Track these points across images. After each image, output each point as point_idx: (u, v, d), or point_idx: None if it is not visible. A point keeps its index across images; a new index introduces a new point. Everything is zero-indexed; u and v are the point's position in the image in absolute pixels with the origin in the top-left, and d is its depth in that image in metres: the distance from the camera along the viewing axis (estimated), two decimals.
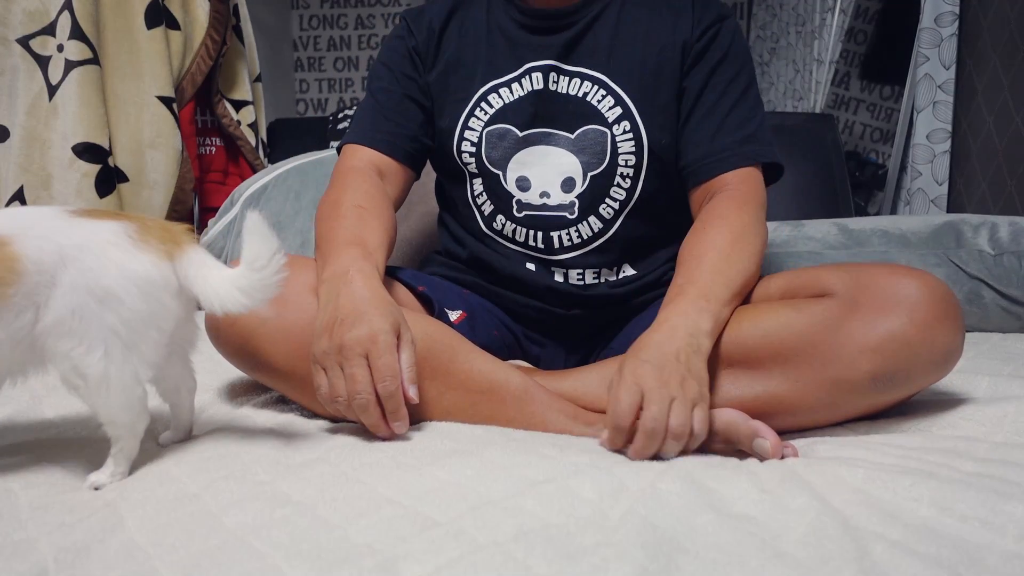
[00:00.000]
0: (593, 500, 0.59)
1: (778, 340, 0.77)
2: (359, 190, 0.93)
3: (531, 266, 1.01)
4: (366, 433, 0.75)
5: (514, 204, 1.00)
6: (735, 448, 0.75)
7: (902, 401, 0.79)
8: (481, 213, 1.03)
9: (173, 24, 1.74)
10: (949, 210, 2.04)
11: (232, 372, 0.97)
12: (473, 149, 1.00)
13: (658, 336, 0.76)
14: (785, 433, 0.78)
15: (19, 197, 1.56)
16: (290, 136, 2.56)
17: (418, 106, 1.02)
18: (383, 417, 0.73)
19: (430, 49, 1.02)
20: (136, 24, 1.67)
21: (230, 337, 0.83)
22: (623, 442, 0.72)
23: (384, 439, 0.74)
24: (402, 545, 0.53)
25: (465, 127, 1.00)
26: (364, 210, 0.90)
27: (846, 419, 0.80)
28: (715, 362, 0.80)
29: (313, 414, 0.86)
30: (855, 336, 0.74)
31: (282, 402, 0.90)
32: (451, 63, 1.01)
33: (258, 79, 2.06)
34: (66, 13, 1.55)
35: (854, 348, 0.74)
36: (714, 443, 0.76)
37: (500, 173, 0.99)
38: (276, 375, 0.83)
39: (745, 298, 0.86)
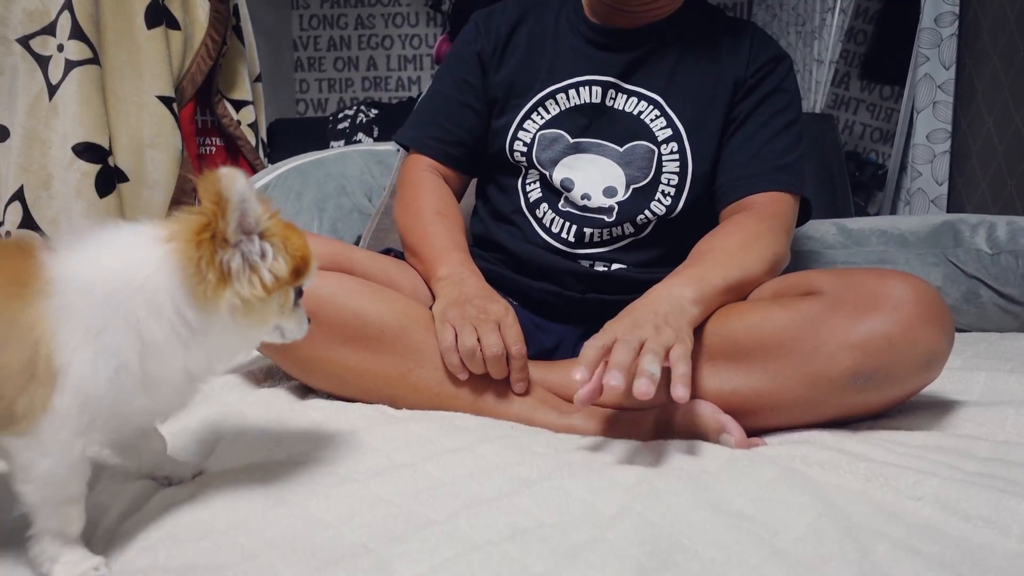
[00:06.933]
0: (587, 499, 0.59)
1: (761, 334, 0.77)
2: (434, 195, 1.05)
3: (557, 256, 1.03)
4: (360, 431, 0.76)
5: (561, 199, 1.03)
6: (700, 440, 0.76)
7: (889, 405, 0.78)
8: (527, 199, 1.06)
9: (173, 24, 1.74)
10: (949, 210, 2.03)
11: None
12: (525, 149, 1.04)
13: (639, 302, 0.81)
14: (772, 431, 0.78)
15: (19, 197, 1.55)
16: (290, 136, 2.56)
17: (473, 111, 1.08)
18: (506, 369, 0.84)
19: (496, 55, 1.08)
20: (136, 24, 1.66)
21: None
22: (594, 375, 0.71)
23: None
24: (397, 545, 0.52)
25: (520, 128, 1.04)
26: (446, 217, 1.02)
27: (827, 419, 0.78)
28: (698, 353, 0.80)
29: (307, 390, 0.90)
30: (836, 332, 0.73)
31: (273, 400, 0.89)
32: (515, 70, 1.06)
33: (258, 79, 2.06)
34: (66, 13, 1.55)
35: (835, 344, 0.73)
36: (679, 433, 0.76)
37: (548, 173, 1.03)
38: None
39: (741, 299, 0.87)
